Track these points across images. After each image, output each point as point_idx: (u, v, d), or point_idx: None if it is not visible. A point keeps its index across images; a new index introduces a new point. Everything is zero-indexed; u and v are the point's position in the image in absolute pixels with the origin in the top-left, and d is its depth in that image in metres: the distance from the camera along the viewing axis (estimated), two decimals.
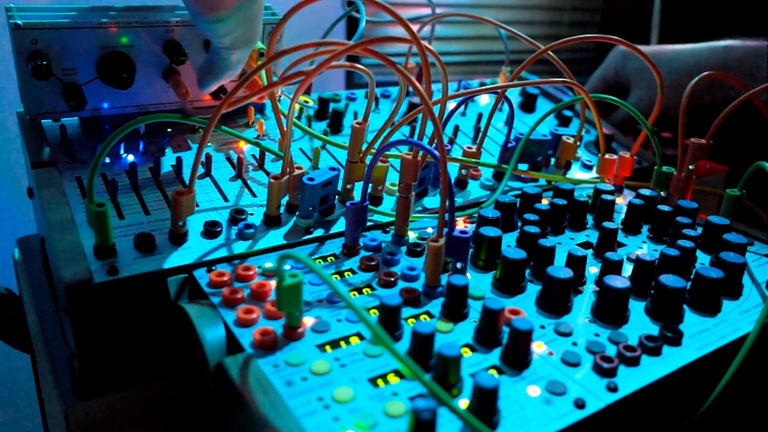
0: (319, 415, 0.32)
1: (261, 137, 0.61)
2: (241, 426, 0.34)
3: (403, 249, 0.48)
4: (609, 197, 0.54)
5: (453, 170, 0.60)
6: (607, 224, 0.50)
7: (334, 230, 0.49)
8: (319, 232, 0.49)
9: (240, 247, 0.46)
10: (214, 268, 0.43)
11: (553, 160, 0.65)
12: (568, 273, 0.42)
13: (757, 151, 0.56)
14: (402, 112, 0.70)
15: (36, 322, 0.53)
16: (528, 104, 0.80)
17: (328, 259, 0.46)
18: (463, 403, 0.34)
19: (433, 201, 0.56)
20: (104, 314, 0.41)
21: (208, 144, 0.58)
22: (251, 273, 0.42)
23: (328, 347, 0.37)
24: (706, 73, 0.57)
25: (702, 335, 0.42)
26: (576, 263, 0.45)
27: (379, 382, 0.35)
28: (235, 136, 0.49)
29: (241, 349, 0.36)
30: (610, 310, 0.42)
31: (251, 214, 0.49)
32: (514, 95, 0.82)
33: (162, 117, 0.47)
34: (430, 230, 0.50)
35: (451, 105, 0.56)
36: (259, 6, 0.48)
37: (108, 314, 0.41)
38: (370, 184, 0.53)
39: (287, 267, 0.43)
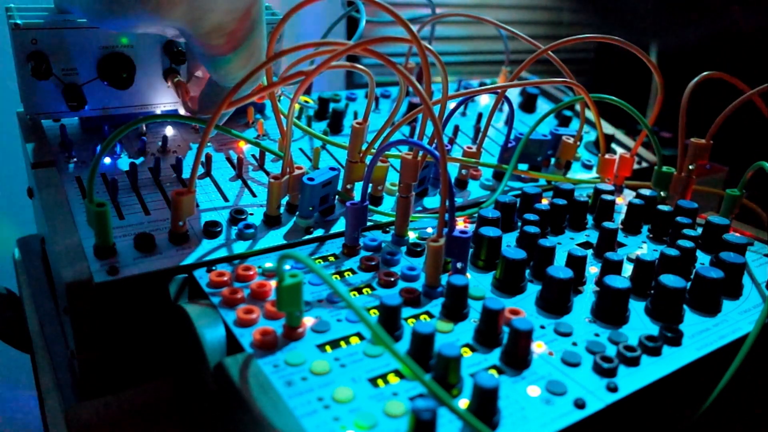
0: (319, 415, 0.32)
1: (261, 137, 0.61)
2: (241, 426, 0.34)
3: (403, 249, 0.48)
4: (609, 197, 0.54)
5: (453, 170, 0.60)
6: (607, 224, 0.50)
7: (334, 230, 0.49)
8: (319, 232, 0.49)
9: (240, 247, 0.46)
10: (214, 268, 0.43)
11: (553, 160, 0.65)
12: (568, 273, 0.42)
13: (757, 151, 0.56)
14: (402, 112, 0.70)
15: (36, 322, 0.53)
16: (528, 104, 0.80)
17: (328, 259, 0.46)
18: (463, 403, 0.34)
19: (433, 201, 0.56)
20: (104, 314, 0.41)
21: (208, 144, 0.58)
22: (251, 273, 0.42)
23: (328, 347, 0.37)
24: (706, 73, 0.57)
25: (702, 335, 0.42)
26: (576, 263, 0.45)
27: (379, 382, 0.35)
28: (235, 136, 0.49)
29: (241, 349, 0.36)
30: (610, 310, 0.42)
31: (251, 214, 0.49)
32: (514, 95, 0.82)
33: (162, 117, 0.47)
34: (430, 230, 0.50)
35: (451, 105, 0.56)
36: (262, 45, 0.48)
37: (108, 314, 0.41)
38: (370, 184, 0.53)
39: (287, 267, 0.43)
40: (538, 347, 0.39)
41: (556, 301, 0.42)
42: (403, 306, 0.40)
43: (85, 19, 0.49)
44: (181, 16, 0.43)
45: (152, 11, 0.41)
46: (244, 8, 0.45)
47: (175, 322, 0.40)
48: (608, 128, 0.78)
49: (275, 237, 0.47)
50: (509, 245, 0.47)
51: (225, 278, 0.41)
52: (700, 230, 0.53)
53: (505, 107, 0.77)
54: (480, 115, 0.74)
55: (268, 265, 0.44)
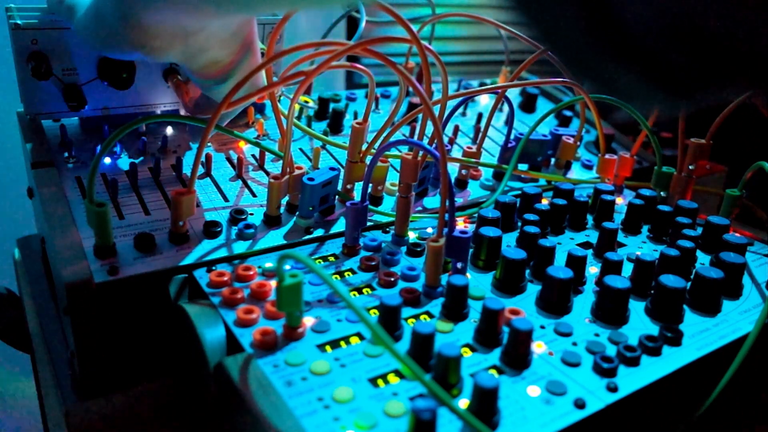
0: (319, 415, 0.32)
1: (261, 137, 0.61)
2: (241, 426, 0.34)
3: (403, 249, 0.48)
4: (609, 197, 0.54)
5: (453, 170, 0.60)
6: (607, 224, 0.50)
7: (334, 230, 0.49)
8: (319, 232, 0.49)
9: (240, 247, 0.46)
10: (214, 268, 0.43)
11: (553, 160, 0.65)
12: (568, 273, 0.42)
13: (757, 151, 0.56)
14: (402, 112, 0.70)
15: (36, 322, 0.53)
16: (528, 104, 0.80)
17: (328, 259, 0.46)
18: (463, 403, 0.34)
19: (433, 201, 0.56)
20: (104, 314, 0.41)
21: (208, 144, 0.58)
22: (251, 273, 0.42)
23: (328, 347, 0.37)
24: None
25: (702, 335, 0.42)
26: (576, 263, 0.45)
27: (379, 382, 0.35)
28: (235, 136, 0.49)
29: (241, 349, 0.36)
30: (610, 310, 0.42)
31: (251, 214, 0.49)
32: (514, 95, 0.82)
33: (162, 117, 0.47)
34: (430, 230, 0.50)
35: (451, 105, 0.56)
36: (257, 62, 0.48)
37: (108, 314, 0.41)
38: (370, 184, 0.53)
39: (287, 267, 0.43)
40: (538, 347, 0.39)
41: (556, 301, 0.42)
42: (403, 306, 0.40)
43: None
44: (175, 57, 0.44)
45: (146, 53, 0.42)
46: (239, 43, 0.45)
47: (175, 322, 0.40)
48: (608, 128, 0.78)
49: (275, 237, 0.47)
50: (509, 245, 0.47)
51: (225, 278, 0.41)
52: (700, 230, 0.53)
53: (505, 107, 0.77)
54: (480, 115, 0.74)
55: (268, 265, 0.44)
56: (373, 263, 0.45)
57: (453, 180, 0.60)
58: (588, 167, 0.68)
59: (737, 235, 0.51)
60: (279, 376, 0.34)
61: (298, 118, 0.64)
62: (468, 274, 0.45)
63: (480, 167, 0.62)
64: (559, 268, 0.43)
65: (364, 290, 0.43)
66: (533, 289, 0.44)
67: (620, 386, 0.36)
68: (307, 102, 0.66)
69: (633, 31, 0.22)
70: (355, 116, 0.68)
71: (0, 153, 0.82)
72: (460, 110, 0.75)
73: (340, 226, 0.50)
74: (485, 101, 0.80)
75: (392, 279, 0.43)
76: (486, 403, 0.32)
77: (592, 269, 0.48)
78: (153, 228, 0.46)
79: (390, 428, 0.32)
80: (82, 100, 0.52)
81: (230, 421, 0.35)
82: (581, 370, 0.37)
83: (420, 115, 0.57)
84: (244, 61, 0.47)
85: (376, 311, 0.40)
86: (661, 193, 0.60)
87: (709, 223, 0.53)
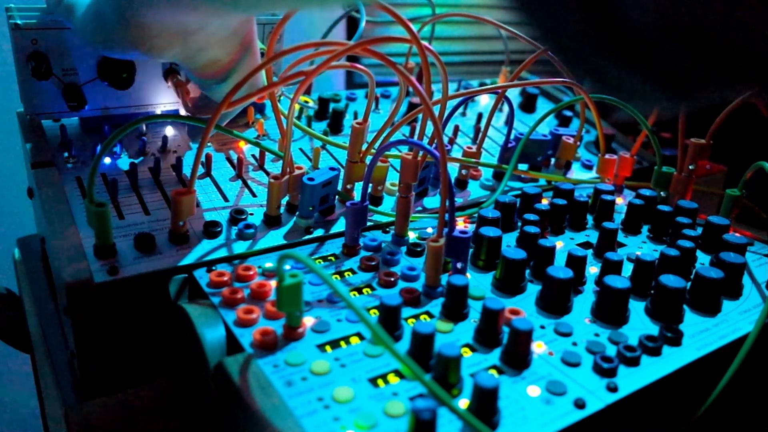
0: (319, 415, 0.32)
1: (261, 137, 0.61)
2: (241, 426, 0.34)
3: (403, 249, 0.48)
4: (609, 197, 0.54)
5: (453, 170, 0.60)
6: (607, 224, 0.50)
7: (334, 230, 0.49)
8: (319, 232, 0.49)
9: (240, 247, 0.46)
10: (214, 268, 0.43)
11: (553, 160, 0.65)
12: (568, 273, 0.42)
13: (757, 151, 0.56)
14: (402, 112, 0.70)
15: (36, 322, 0.53)
16: (528, 104, 0.80)
17: (328, 259, 0.46)
18: (463, 403, 0.34)
19: (433, 201, 0.56)
20: (104, 314, 0.41)
21: (208, 144, 0.58)
22: (251, 273, 0.42)
23: (328, 347, 0.37)
24: None
25: (702, 335, 0.42)
26: (576, 263, 0.45)
27: (379, 382, 0.35)
28: (235, 136, 0.49)
29: (241, 349, 0.36)
30: (610, 310, 0.42)
31: (251, 214, 0.49)
32: (514, 95, 0.82)
33: (162, 117, 0.47)
34: (430, 230, 0.50)
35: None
36: (256, 61, 0.48)
37: (108, 314, 0.41)
38: (370, 184, 0.53)
39: (287, 267, 0.43)
40: (538, 347, 0.39)
41: (556, 301, 0.42)
42: (403, 306, 0.40)
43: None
44: (174, 56, 0.44)
45: (146, 52, 0.42)
46: (238, 43, 0.45)
47: (175, 322, 0.40)
48: (608, 128, 0.78)
49: (275, 237, 0.47)
50: (509, 245, 0.47)
51: (225, 278, 0.41)
52: (700, 230, 0.53)
53: (505, 107, 0.77)
54: (480, 115, 0.74)
55: (268, 265, 0.43)
56: (373, 263, 0.45)
57: (453, 180, 0.60)
58: (588, 167, 0.68)
59: (737, 235, 0.51)
60: (279, 376, 0.34)
61: (298, 118, 0.64)
62: (468, 274, 0.45)
63: (480, 167, 0.62)
64: (559, 268, 0.43)
65: (364, 290, 0.43)
66: (533, 289, 0.44)
67: (620, 386, 0.36)
68: (307, 102, 0.66)
69: (633, 30, 0.22)
70: (355, 116, 0.68)
71: (0, 153, 0.82)
72: (460, 110, 0.75)
73: (340, 226, 0.50)
74: (485, 101, 0.80)
75: (392, 279, 0.43)
76: (486, 403, 0.32)
77: (592, 269, 0.48)
78: (153, 228, 0.46)
79: (390, 428, 0.32)
80: (82, 100, 0.52)
81: (230, 420, 0.35)
82: (581, 370, 0.37)
83: (420, 115, 0.57)
84: (243, 61, 0.47)
85: (376, 311, 0.40)
86: (661, 193, 0.60)
87: (709, 223, 0.53)
